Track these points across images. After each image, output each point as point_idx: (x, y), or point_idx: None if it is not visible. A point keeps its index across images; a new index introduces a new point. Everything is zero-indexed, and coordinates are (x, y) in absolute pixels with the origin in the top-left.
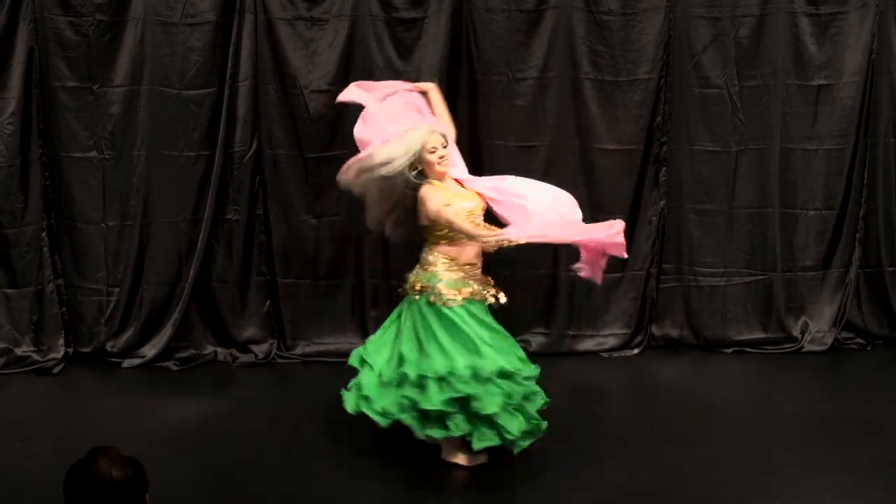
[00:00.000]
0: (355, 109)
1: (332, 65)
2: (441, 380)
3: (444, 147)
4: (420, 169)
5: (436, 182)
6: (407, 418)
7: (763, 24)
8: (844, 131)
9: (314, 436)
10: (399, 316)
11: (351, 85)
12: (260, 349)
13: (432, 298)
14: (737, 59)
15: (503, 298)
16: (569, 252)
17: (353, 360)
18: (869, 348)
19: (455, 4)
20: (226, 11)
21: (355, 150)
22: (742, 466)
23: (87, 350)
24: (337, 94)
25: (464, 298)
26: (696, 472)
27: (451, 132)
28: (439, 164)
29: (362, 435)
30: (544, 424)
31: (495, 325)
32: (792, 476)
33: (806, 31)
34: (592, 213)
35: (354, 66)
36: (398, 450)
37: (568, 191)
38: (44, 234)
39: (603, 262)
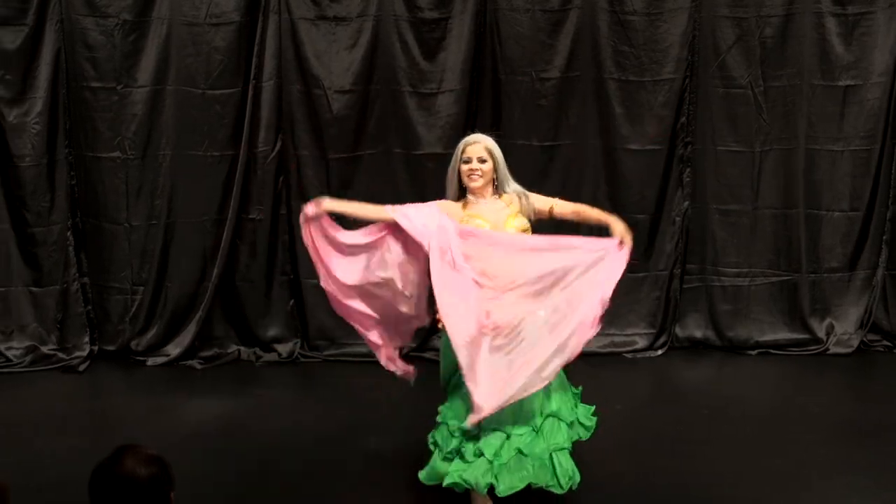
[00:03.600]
0: (380, 109)
1: (356, 65)
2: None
3: (482, 162)
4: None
5: (471, 198)
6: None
7: (789, 24)
8: (871, 132)
9: (336, 435)
10: None
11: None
12: (283, 348)
13: None
14: (762, 60)
15: None
16: None
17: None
18: (895, 351)
19: (479, 4)
20: (250, 11)
21: (378, 150)
22: (766, 468)
23: (111, 348)
24: (360, 95)
25: None
26: (719, 473)
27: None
28: (468, 175)
29: (385, 435)
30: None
31: None
32: (817, 478)
33: (832, 31)
34: (615, 213)
35: (378, 67)
36: (419, 451)
37: (590, 191)
38: (69, 233)
39: None
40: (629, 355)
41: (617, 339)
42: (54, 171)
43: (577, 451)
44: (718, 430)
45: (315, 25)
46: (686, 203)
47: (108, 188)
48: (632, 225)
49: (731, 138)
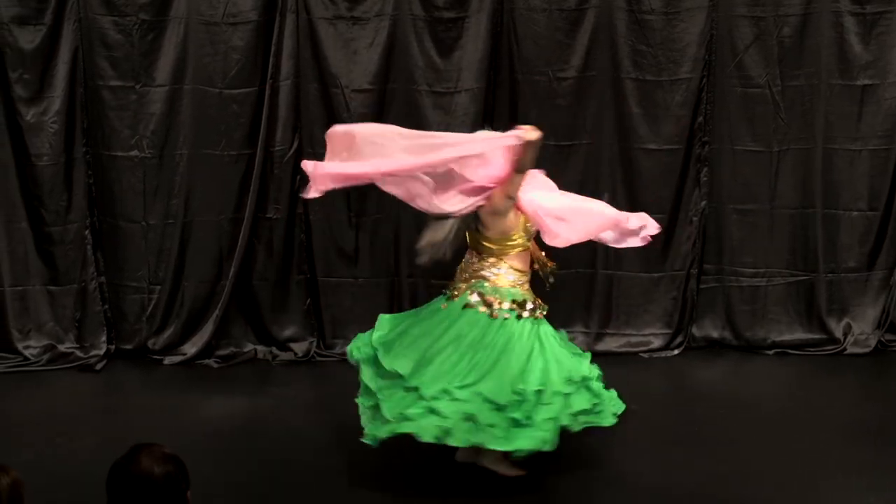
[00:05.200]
0: (397, 108)
1: (373, 64)
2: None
3: None
4: None
5: None
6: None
7: (807, 24)
8: (889, 131)
9: (353, 434)
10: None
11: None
12: (299, 347)
13: (538, 314)
14: (780, 59)
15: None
16: (607, 250)
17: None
18: None
19: (496, 4)
20: (267, 11)
21: None
22: (783, 469)
23: (128, 347)
24: (377, 94)
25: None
26: (735, 474)
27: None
28: None
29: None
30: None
31: None
32: (834, 477)
33: (851, 31)
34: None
35: (395, 66)
36: (435, 449)
37: (608, 191)
38: (87, 231)
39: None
40: (645, 355)
41: (633, 338)
42: (72, 169)
43: (592, 448)
44: (734, 429)
45: (332, 25)
46: (703, 203)
47: (126, 187)
48: None
49: (748, 138)
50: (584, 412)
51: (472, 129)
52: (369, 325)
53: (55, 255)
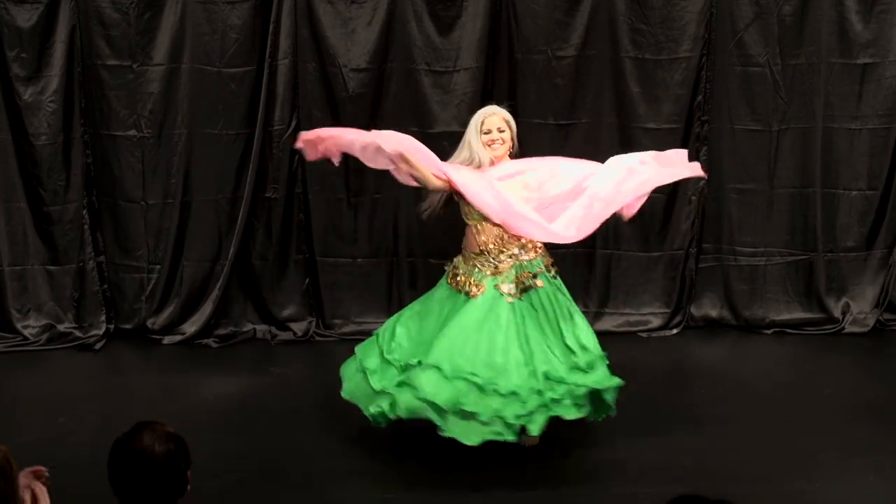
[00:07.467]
0: (395, 87)
1: (371, 43)
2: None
3: (501, 131)
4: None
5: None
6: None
7: (807, 2)
8: (889, 111)
9: (351, 414)
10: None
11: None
12: (299, 327)
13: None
14: (780, 38)
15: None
16: (605, 230)
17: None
18: None
19: None
20: None
21: (393, 128)
22: (782, 448)
23: (128, 327)
24: (376, 73)
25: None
26: (734, 452)
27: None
28: (489, 145)
29: None
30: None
31: None
32: (832, 457)
33: (851, 9)
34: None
35: (393, 45)
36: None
37: None
38: (85, 211)
39: None
40: (644, 334)
41: (632, 318)
42: (70, 149)
43: (590, 427)
44: (733, 409)
45: (331, 3)
46: (702, 182)
47: (124, 166)
48: (647, 204)
49: (748, 117)
50: None
51: (470, 109)
52: (368, 304)
53: (54, 234)
